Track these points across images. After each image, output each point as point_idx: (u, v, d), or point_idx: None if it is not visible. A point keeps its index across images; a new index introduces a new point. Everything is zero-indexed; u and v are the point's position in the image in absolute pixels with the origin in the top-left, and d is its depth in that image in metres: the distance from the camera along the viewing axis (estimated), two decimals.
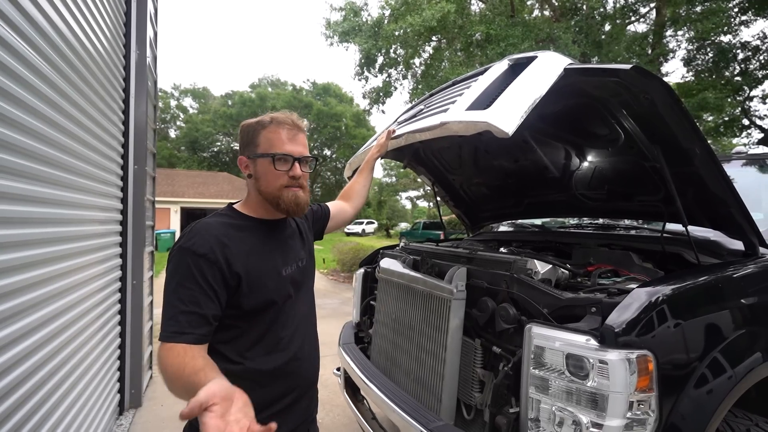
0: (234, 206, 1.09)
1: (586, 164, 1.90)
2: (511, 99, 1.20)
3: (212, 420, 0.60)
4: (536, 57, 1.38)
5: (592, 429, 0.98)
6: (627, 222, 2.33)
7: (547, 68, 1.27)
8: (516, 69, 1.42)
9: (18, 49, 1.36)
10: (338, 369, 2.25)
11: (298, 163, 1.03)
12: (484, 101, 1.31)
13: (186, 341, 0.84)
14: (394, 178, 49.85)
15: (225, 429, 0.59)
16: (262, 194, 1.04)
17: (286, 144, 1.01)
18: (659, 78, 1.16)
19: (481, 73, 1.56)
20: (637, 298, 1.04)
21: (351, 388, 2.04)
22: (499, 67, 1.50)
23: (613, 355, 0.97)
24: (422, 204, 51.16)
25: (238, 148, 1.08)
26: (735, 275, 1.28)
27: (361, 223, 34.27)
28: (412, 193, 47.13)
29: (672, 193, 1.29)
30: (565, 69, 1.23)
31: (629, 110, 1.34)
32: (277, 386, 1.01)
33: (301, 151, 1.04)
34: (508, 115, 1.12)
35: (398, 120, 1.89)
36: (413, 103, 2.04)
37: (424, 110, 1.67)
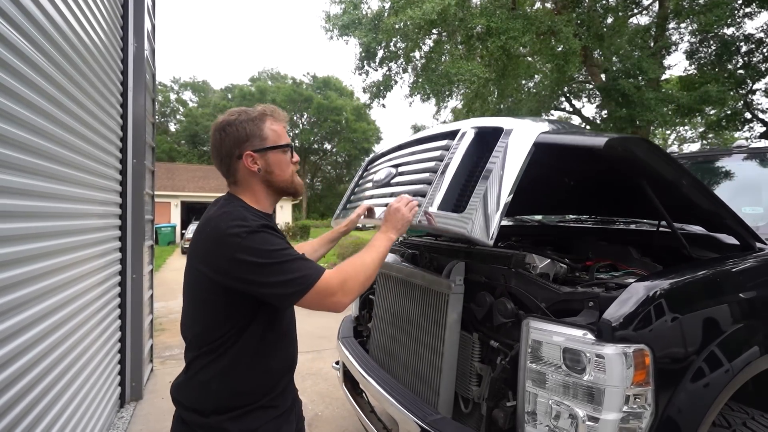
0: (243, 200, 1.05)
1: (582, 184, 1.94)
2: (484, 201, 1.17)
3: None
4: (502, 130, 1.29)
5: (588, 422, 0.99)
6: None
7: (516, 147, 1.20)
8: (482, 141, 1.37)
9: (14, 42, 1.35)
10: (337, 363, 2.26)
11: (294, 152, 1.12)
12: (456, 196, 1.30)
13: (322, 269, 0.95)
14: None
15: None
16: (274, 185, 1.07)
17: (285, 135, 1.09)
18: (635, 139, 1.11)
19: (448, 137, 1.49)
20: (635, 293, 1.04)
21: (350, 381, 2.05)
22: (466, 138, 1.40)
23: (610, 350, 0.97)
24: None
25: (225, 148, 1.03)
26: (733, 269, 1.28)
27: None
28: None
29: (665, 216, 1.30)
30: (535, 144, 1.19)
31: (608, 164, 1.32)
32: (287, 363, 1.10)
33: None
34: (484, 224, 1.14)
35: (373, 179, 1.81)
36: (383, 158, 1.95)
37: (397, 182, 1.64)
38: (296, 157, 1.12)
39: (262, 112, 1.05)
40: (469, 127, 1.44)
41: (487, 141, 1.35)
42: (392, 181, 1.66)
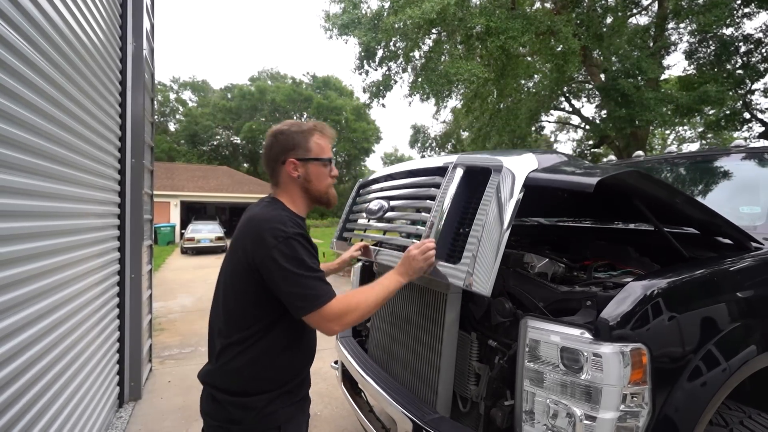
0: (283, 203, 1.17)
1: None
2: (479, 251, 1.16)
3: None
4: (491, 171, 1.27)
5: (585, 421, 0.99)
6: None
7: (506, 191, 1.19)
8: (471, 180, 1.36)
9: (11, 42, 1.35)
10: (336, 362, 2.26)
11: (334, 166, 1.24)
12: (450, 244, 1.31)
13: (333, 293, 1.06)
14: None
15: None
16: (310, 192, 1.20)
17: (329, 150, 1.22)
18: (626, 174, 1.10)
19: (437, 173, 1.48)
20: (632, 292, 1.04)
21: (349, 381, 2.06)
22: (455, 179, 1.37)
23: (607, 349, 0.97)
24: None
25: (274, 152, 1.18)
26: (730, 269, 1.28)
27: None
28: None
29: (659, 227, 1.32)
30: (524, 186, 1.18)
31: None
32: (308, 358, 1.21)
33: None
34: (482, 276, 1.13)
35: (367, 208, 1.82)
36: (374, 185, 1.96)
37: (390, 217, 1.66)
38: (335, 171, 1.24)
39: (311, 127, 1.19)
40: (456, 164, 1.41)
41: (476, 180, 1.33)
42: (385, 216, 1.68)
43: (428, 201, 1.45)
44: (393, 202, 1.68)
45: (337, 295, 1.05)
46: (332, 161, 1.23)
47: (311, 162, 1.17)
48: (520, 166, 1.23)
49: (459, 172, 1.38)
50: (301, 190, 1.19)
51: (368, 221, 1.83)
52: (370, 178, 2.12)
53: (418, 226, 1.47)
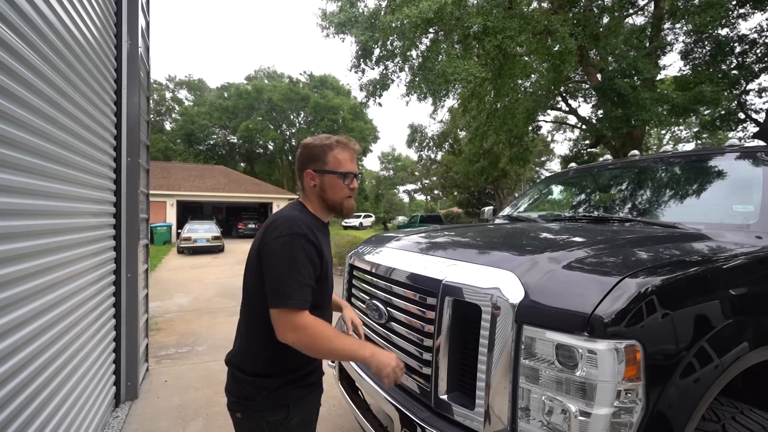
0: (305, 205, 1.30)
1: None
2: (490, 394, 1.17)
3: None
4: (480, 309, 1.22)
5: (580, 417, 1.00)
6: (620, 215, 2.33)
7: (500, 331, 1.17)
8: (462, 311, 1.33)
9: (5, 39, 1.34)
10: (333, 361, 2.26)
11: (355, 179, 1.30)
12: (458, 386, 1.36)
13: (307, 307, 1.11)
14: (391, 172, 49.78)
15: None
16: (326, 202, 1.29)
17: (350, 164, 1.28)
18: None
19: (429, 294, 1.43)
20: (627, 290, 1.05)
21: (346, 379, 2.06)
22: (446, 313, 1.35)
23: (602, 345, 0.98)
24: (420, 197, 51.22)
25: (300, 162, 1.30)
26: (723, 266, 1.30)
27: (359, 216, 34.25)
28: (410, 187, 47.13)
29: None
30: (516, 321, 1.14)
31: None
32: None
33: (357, 169, 1.32)
34: (500, 422, 1.16)
35: (366, 302, 1.87)
36: (363, 272, 1.95)
37: (392, 329, 1.67)
38: (354, 184, 1.30)
39: (334, 141, 1.28)
40: (445, 283, 1.37)
41: (468, 310, 1.30)
42: (387, 324, 1.68)
43: (426, 326, 1.44)
44: (392, 312, 1.67)
45: (309, 312, 1.11)
46: (353, 175, 1.28)
47: (327, 174, 1.26)
48: (508, 300, 1.16)
49: (449, 305, 1.34)
50: (318, 198, 1.29)
51: (366, 317, 1.89)
52: (360, 264, 2.02)
53: (423, 365, 1.45)
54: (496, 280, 1.24)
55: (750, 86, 10.78)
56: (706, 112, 11.57)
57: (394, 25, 9.28)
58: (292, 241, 1.12)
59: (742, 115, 11.36)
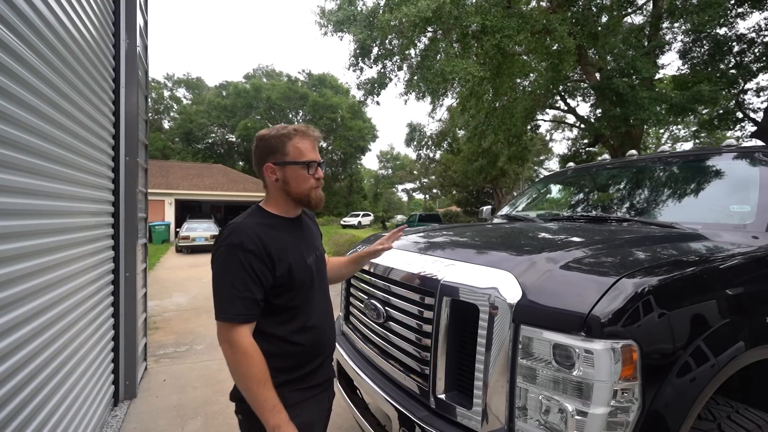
0: (262, 207, 1.23)
1: None
2: (489, 395, 1.18)
3: None
4: (478, 309, 1.23)
5: (577, 417, 1.00)
6: (618, 214, 2.34)
7: (497, 331, 1.17)
8: (460, 311, 1.34)
9: (3, 39, 1.33)
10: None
11: (320, 168, 1.22)
12: (456, 387, 1.36)
13: (245, 321, 1.07)
14: (390, 171, 49.75)
15: None
16: (291, 195, 1.21)
17: (312, 152, 1.20)
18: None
19: (427, 294, 1.44)
20: (624, 289, 1.05)
21: (344, 379, 2.06)
22: (444, 312, 1.36)
23: (599, 345, 0.98)
24: (418, 196, 51.19)
25: (257, 157, 1.21)
26: (720, 266, 1.30)
27: (357, 215, 34.23)
28: (409, 186, 47.11)
29: None
30: (514, 321, 1.15)
31: None
32: (312, 351, 1.24)
33: (320, 157, 1.24)
34: (497, 422, 1.17)
35: (366, 303, 1.84)
36: (368, 278, 1.92)
37: (390, 329, 1.67)
38: (320, 173, 1.21)
39: (292, 130, 1.19)
40: (443, 283, 1.37)
41: (466, 310, 1.30)
42: (385, 324, 1.69)
43: (424, 326, 1.44)
44: (390, 312, 1.67)
45: (249, 322, 1.08)
46: (316, 163, 1.20)
47: (288, 165, 1.18)
48: (505, 300, 1.16)
49: (447, 305, 1.35)
50: (282, 192, 1.21)
51: (367, 318, 1.87)
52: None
53: (422, 364, 1.44)
54: (493, 280, 1.25)
55: (748, 85, 10.81)
56: (704, 112, 11.61)
57: (392, 23, 9.27)
58: (228, 251, 1.08)
59: (740, 115, 11.39)
